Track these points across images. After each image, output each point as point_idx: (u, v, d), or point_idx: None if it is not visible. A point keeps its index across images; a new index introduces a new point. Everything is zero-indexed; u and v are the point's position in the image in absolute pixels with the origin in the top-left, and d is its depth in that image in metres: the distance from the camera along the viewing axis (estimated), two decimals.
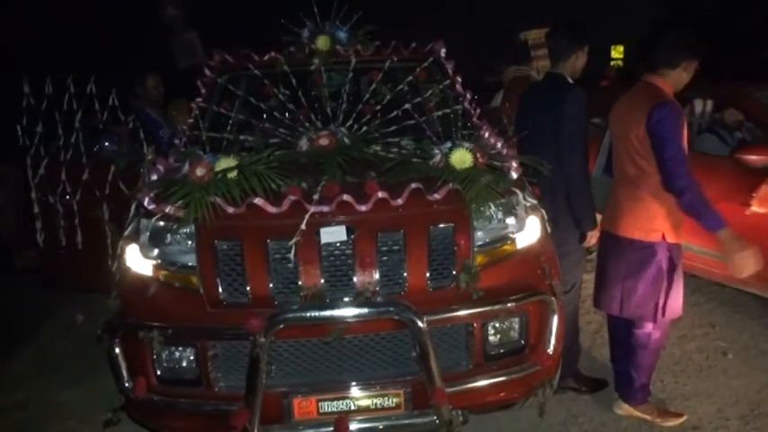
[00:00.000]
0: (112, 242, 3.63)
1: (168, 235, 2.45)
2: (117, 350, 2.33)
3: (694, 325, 4.02)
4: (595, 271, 3.05)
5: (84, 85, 3.69)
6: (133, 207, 2.63)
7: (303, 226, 2.31)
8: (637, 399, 2.90)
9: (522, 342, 2.49)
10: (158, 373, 2.39)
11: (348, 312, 2.20)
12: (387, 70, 3.62)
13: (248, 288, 2.31)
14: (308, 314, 2.19)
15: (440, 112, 3.34)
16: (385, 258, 2.35)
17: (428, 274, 2.36)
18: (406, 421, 2.35)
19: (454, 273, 2.38)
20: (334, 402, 2.33)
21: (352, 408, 2.33)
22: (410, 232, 2.36)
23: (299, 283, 2.29)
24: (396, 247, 2.37)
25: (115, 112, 3.71)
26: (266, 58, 3.74)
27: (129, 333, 2.34)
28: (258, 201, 2.38)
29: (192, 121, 3.50)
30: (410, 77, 3.57)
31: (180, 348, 2.36)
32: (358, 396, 2.34)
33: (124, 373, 2.35)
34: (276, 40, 3.92)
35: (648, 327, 2.83)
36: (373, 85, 3.50)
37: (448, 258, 2.39)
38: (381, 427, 2.34)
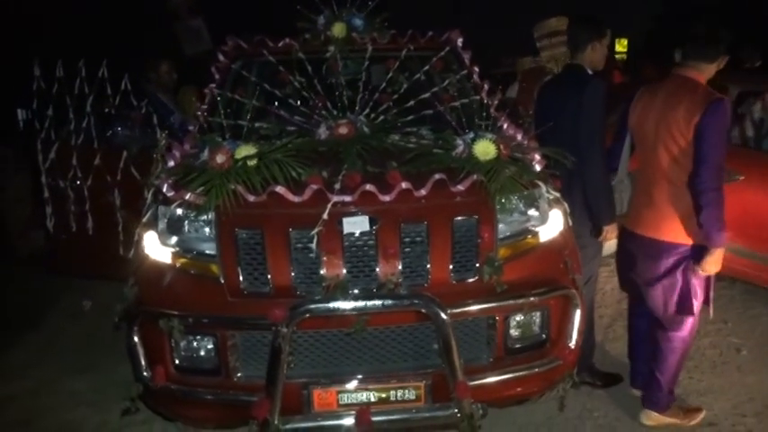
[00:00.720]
0: (124, 228, 3.59)
1: (187, 222, 2.42)
2: (135, 339, 2.30)
3: (707, 321, 3.99)
4: (622, 269, 3.02)
5: (96, 69, 3.63)
6: (150, 193, 2.59)
7: (325, 215, 2.28)
8: (663, 404, 2.86)
9: (544, 336, 2.47)
10: (177, 362, 2.37)
11: (371, 304, 2.17)
12: (403, 59, 3.57)
13: (269, 277, 2.28)
14: (332, 305, 2.16)
15: (458, 102, 3.30)
16: (408, 250, 2.32)
17: (451, 267, 2.33)
18: (427, 414, 2.33)
19: (477, 265, 2.35)
20: (354, 394, 2.30)
21: (372, 400, 2.30)
22: (433, 224, 2.33)
23: (321, 273, 2.26)
24: (418, 239, 2.34)
25: (127, 97, 3.65)
26: (281, 44, 3.70)
27: (148, 321, 2.31)
28: (280, 189, 2.34)
29: (205, 107, 3.46)
30: (427, 66, 3.53)
31: (199, 337, 2.33)
32: (378, 388, 2.31)
33: (142, 361, 2.32)
34: (285, 28, 3.88)
35: (685, 329, 2.79)
36: (389, 74, 3.45)
37: (471, 251, 2.36)
38: (401, 419, 2.32)
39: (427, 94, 3.34)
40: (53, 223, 3.78)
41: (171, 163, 2.70)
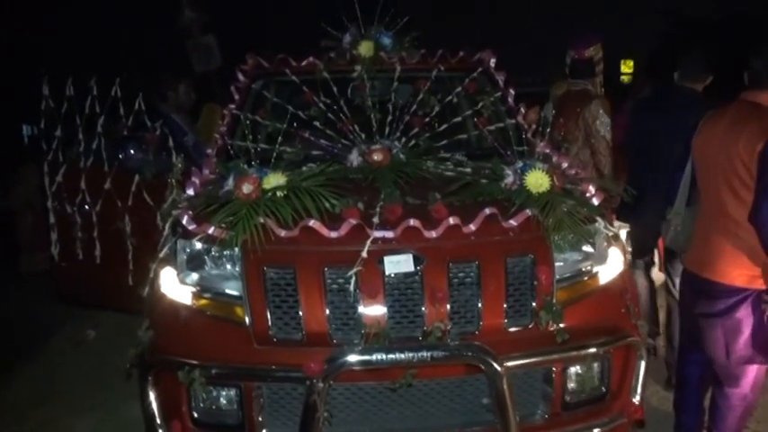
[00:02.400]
0: (134, 257, 3.35)
1: (209, 259, 2.19)
2: (150, 391, 2.05)
3: None
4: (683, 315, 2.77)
5: (108, 88, 3.42)
6: (167, 225, 2.36)
7: (364, 253, 2.04)
8: None
9: (603, 389, 2.21)
10: (195, 415, 2.11)
11: (420, 356, 1.91)
12: (434, 80, 3.36)
13: (302, 323, 2.03)
14: (375, 357, 1.91)
15: (498, 126, 3.08)
16: (456, 293, 2.08)
17: (505, 312, 2.08)
18: None
19: (533, 311, 2.10)
20: None
21: None
22: (485, 263, 2.09)
23: (361, 318, 2.02)
24: (468, 280, 2.10)
25: (139, 117, 3.43)
26: (304, 63, 3.49)
27: (165, 371, 2.06)
28: (314, 223, 2.11)
29: (224, 129, 3.25)
30: (459, 88, 3.33)
31: (221, 389, 2.08)
32: None
33: (157, 415, 2.07)
34: (295, 45, 3.68)
35: (745, 386, 2.50)
36: (420, 96, 3.24)
37: (525, 294, 2.12)
38: None
39: (460, 118, 3.13)
40: (58, 250, 3.54)
41: (190, 191, 2.47)
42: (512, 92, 3.43)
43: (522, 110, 3.36)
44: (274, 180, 2.23)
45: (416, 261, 2.07)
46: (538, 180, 2.26)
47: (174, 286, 2.19)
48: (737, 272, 2.38)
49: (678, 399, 2.86)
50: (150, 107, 3.40)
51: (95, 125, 3.44)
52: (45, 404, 3.41)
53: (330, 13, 3.61)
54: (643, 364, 2.19)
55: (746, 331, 2.42)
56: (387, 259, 2.07)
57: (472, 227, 2.14)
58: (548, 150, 2.95)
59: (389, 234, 2.10)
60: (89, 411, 3.30)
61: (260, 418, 2.08)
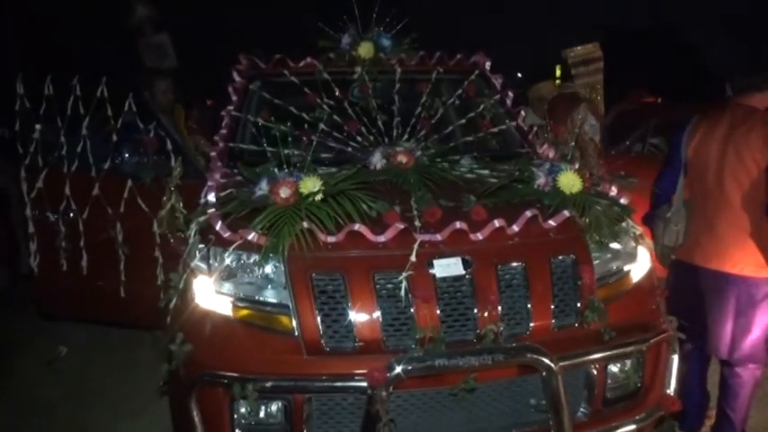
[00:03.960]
0: (126, 267, 3.15)
1: (249, 267, 2.08)
2: (194, 408, 1.93)
3: None
4: (675, 305, 2.88)
5: (93, 87, 3.20)
6: (193, 232, 2.23)
7: (413, 257, 2.01)
8: None
9: (640, 384, 2.27)
10: None
11: (481, 359, 1.90)
12: (433, 82, 3.36)
13: (354, 331, 1.97)
14: (437, 363, 1.87)
15: (506, 127, 3.13)
16: (505, 294, 2.08)
17: (552, 312, 2.10)
18: None
19: (577, 310, 2.14)
20: None
21: None
22: (531, 264, 2.11)
23: (414, 324, 1.98)
24: (515, 282, 2.10)
25: (127, 119, 3.22)
26: (302, 64, 3.41)
27: (208, 386, 1.94)
28: (359, 227, 2.06)
29: (224, 131, 3.12)
30: (461, 90, 3.34)
31: (269, 403, 1.99)
32: None
33: None
34: (296, 46, 3.60)
35: (757, 367, 2.67)
36: (424, 97, 3.23)
37: (569, 294, 2.15)
38: None
39: (473, 120, 3.16)
40: (38, 261, 3.28)
41: (211, 196, 2.36)
42: (510, 94, 3.49)
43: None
44: (311, 184, 2.16)
45: (465, 264, 2.06)
46: (570, 181, 2.31)
47: (211, 297, 2.08)
48: (746, 262, 2.55)
49: (683, 390, 2.98)
50: (141, 108, 3.20)
51: (78, 127, 3.22)
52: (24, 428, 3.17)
53: (328, 14, 3.54)
54: (676, 357, 2.27)
55: (755, 326, 2.57)
56: (437, 263, 2.04)
57: (515, 228, 2.15)
58: (550, 153, 3.03)
59: (436, 237, 2.08)
60: None
61: (308, 431, 2.00)
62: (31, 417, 3.29)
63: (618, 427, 2.15)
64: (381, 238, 2.06)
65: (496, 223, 2.12)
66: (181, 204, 2.79)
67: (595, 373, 2.16)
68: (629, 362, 2.23)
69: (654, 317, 2.28)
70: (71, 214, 3.18)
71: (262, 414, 2.02)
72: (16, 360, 3.97)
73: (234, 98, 3.25)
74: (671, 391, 2.27)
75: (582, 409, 2.19)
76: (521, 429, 2.10)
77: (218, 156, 2.94)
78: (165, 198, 2.90)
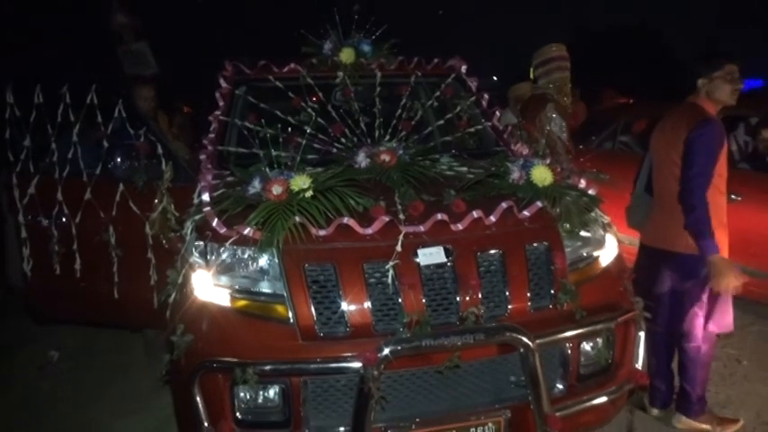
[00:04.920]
0: (119, 269, 3.25)
1: (245, 260, 2.22)
2: (197, 395, 2.05)
3: None
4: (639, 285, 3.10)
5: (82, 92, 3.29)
6: (190, 229, 2.36)
7: (399, 247, 2.17)
8: (695, 411, 2.95)
9: (609, 361, 2.45)
10: (238, 416, 2.14)
11: (464, 338, 2.06)
12: (413, 85, 3.53)
13: (346, 317, 2.12)
14: (424, 342, 2.03)
15: (476, 128, 3.32)
16: (484, 280, 2.25)
17: (529, 295, 2.27)
18: None
19: (551, 293, 2.31)
20: None
21: None
22: (509, 251, 2.28)
23: (401, 308, 2.13)
24: (493, 268, 2.27)
25: (116, 124, 3.32)
26: (286, 69, 3.55)
27: (208, 373, 2.07)
28: (348, 221, 2.21)
29: (212, 135, 3.24)
30: (437, 93, 3.51)
31: (267, 387, 2.12)
32: (457, 427, 2.20)
33: (204, 419, 2.07)
34: (279, 52, 3.73)
35: (698, 340, 2.90)
36: (404, 100, 3.40)
37: (544, 278, 2.32)
38: None
39: (443, 121, 3.34)
40: (31, 266, 3.36)
41: (205, 195, 2.48)
42: (485, 96, 3.67)
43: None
44: (301, 182, 2.30)
45: (447, 253, 2.22)
46: (542, 174, 2.49)
47: (209, 289, 2.20)
48: (679, 240, 2.82)
49: (650, 366, 3.20)
50: (131, 114, 3.31)
51: (67, 133, 3.31)
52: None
53: (309, 20, 3.69)
54: (642, 334, 2.45)
55: (688, 299, 2.84)
56: (421, 252, 2.20)
57: (493, 219, 2.32)
58: (525, 150, 3.22)
59: (420, 228, 2.23)
60: None
61: (305, 412, 2.13)
62: (30, 418, 3.36)
63: (591, 399, 2.32)
64: (369, 231, 2.21)
65: (475, 214, 2.29)
66: (172, 206, 2.93)
67: (569, 351, 2.34)
68: (600, 340, 2.41)
69: (622, 298, 2.46)
70: (63, 219, 3.27)
71: (261, 399, 2.15)
72: (10, 366, 4.02)
73: (221, 103, 3.38)
74: (639, 365, 2.46)
75: (558, 385, 2.36)
76: (502, 404, 2.25)
77: (208, 158, 3.06)
78: (156, 200, 3.03)
